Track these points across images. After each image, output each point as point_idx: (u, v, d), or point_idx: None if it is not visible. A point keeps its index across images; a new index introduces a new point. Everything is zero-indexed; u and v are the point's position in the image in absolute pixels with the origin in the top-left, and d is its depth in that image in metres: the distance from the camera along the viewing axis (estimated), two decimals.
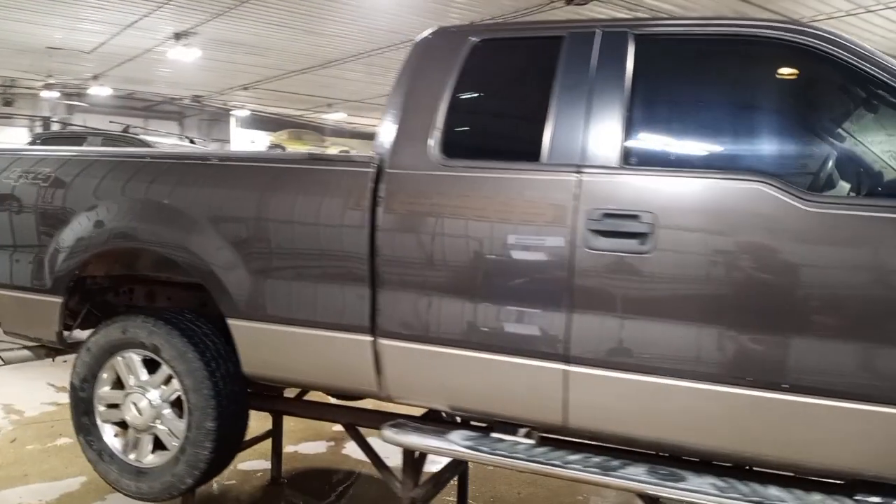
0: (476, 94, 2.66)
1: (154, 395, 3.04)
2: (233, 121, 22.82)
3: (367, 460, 3.19)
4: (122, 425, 3.16)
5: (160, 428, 3.05)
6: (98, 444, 3.14)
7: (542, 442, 2.53)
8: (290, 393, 3.67)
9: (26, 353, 3.49)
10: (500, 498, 4.07)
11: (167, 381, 3.03)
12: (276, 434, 4.02)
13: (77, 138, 7.49)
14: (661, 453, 2.47)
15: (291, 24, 11.40)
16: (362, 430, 3.14)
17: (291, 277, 2.76)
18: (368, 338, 2.64)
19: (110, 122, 9.37)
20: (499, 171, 2.49)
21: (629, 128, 2.34)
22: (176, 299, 3.50)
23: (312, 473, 4.48)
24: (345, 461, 4.66)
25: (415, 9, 10.29)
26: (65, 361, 3.93)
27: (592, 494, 4.17)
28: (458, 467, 3.07)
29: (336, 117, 21.51)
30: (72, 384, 3.19)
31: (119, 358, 3.11)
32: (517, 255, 2.41)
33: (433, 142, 2.59)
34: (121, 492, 3.10)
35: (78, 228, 3.11)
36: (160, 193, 2.96)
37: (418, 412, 2.95)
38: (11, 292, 3.32)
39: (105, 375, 3.15)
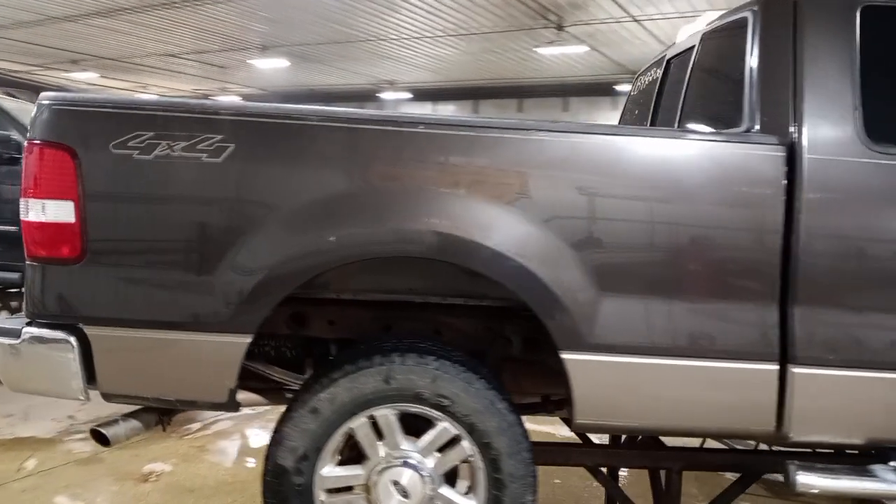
0: (885, 69, 2.23)
1: (428, 465, 2.12)
2: None
3: None
4: None
5: None
6: None
7: None
8: None
9: (135, 423, 2.22)
10: None
11: (447, 445, 2.13)
12: None
13: None
14: None
15: None
16: None
17: (661, 294, 2.08)
18: (773, 366, 2.10)
19: None
20: None
21: None
22: (345, 323, 2.50)
23: None
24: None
25: None
26: None
27: None
28: None
29: (83, 77, 18.10)
30: (278, 468, 2.09)
31: (363, 419, 2.11)
32: None
33: (854, 123, 2.12)
34: None
35: (294, 231, 2.01)
36: (460, 181, 2.03)
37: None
38: (141, 332, 2.07)
39: (332, 447, 2.12)
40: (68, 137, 2.03)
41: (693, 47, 2.82)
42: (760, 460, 2.62)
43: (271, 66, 15.27)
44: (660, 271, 2.09)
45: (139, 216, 2.05)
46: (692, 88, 2.75)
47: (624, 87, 16.24)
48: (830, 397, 2.12)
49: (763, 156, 2.09)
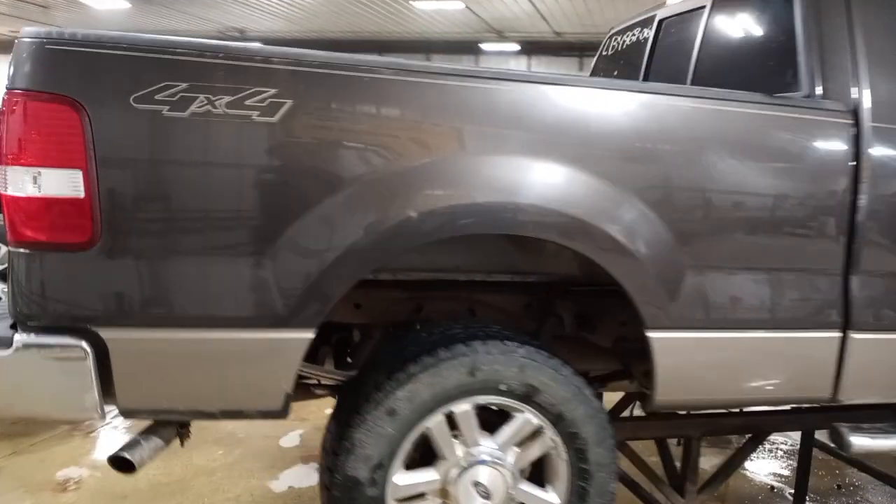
0: None
1: (508, 461, 1.93)
2: None
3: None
4: None
5: None
6: None
7: None
8: None
9: (157, 441, 1.81)
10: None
11: (528, 438, 1.95)
12: None
13: None
14: None
15: None
16: None
17: (742, 267, 2.02)
18: (836, 334, 2.12)
19: None
20: None
21: None
22: (374, 307, 2.22)
23: None
24: None
25: None
26: None
27: None
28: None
29: None
30: (350, 480, 1.79)
31: (440, 417, 1.87)
32: None
33: None
34: None
35: (378, 204, 1.70)
36: (581, 155, 1.83)
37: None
38: (175, 333, 1.67)
39: (405, 451, 1.87)
40: (72, 88, 1.57)
41: (701, 9, 2.76)
42: (770, 421, 2.69)
43: (107, 7, 13.58)
44: (740, 243, 2.02)
45: (171, 189, 1.63)
46: (707, 51, 2.69)
47: (488, 46, 16.29)
48: (880, 360, 2.19)
49: (834, 122, 2.07)
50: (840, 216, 2.07)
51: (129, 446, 1.73)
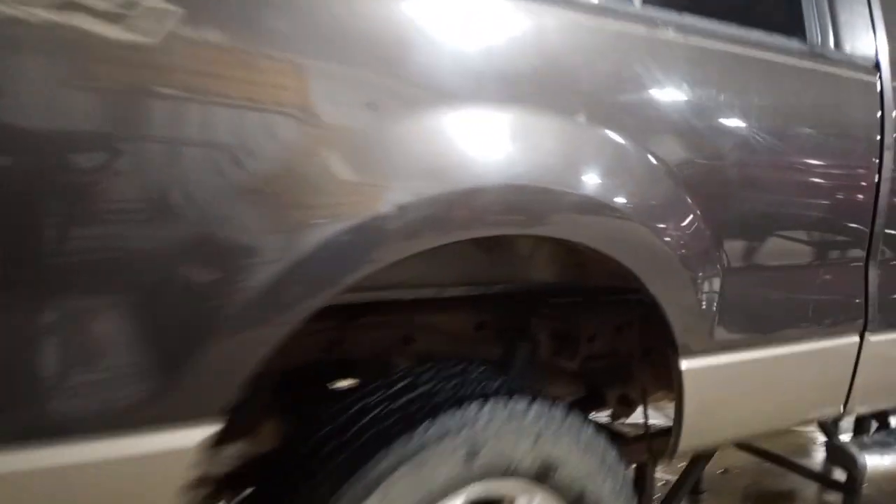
0: None
1: None
2: None
3: None
4: None
5: None
6: None
7: None
8: None
9: None
10: None
11: None
12: None
13: None
14: None
15: None
16: None
17: (780, 264, 1.59)
18: (854, 338, 1.78)
19: None
20: None
21: None
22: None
23: None
24: None
25: None
26: None
27: None
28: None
29: None
30: None
31: None
32: None
33: None
34: None
35: (335, 189, 0.98)
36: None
37: None
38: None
39: None
40: None
41: None
42: None
43: None
44: (775, 234, 1.58)
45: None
46: None
47: None
48: (889, 363, 1.90)
49: (860, 80, 1.69)
50: (867, 195, 1.71)
51: None
